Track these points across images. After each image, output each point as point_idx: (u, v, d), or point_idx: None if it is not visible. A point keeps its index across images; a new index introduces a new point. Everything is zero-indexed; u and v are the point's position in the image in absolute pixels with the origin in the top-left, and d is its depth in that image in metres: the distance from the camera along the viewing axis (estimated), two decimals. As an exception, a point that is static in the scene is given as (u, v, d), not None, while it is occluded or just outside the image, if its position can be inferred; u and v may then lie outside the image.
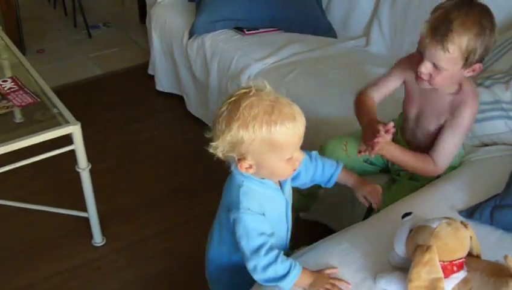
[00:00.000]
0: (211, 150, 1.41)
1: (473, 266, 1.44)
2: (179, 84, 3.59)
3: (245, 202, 1.45)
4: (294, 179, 1.67)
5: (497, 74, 2.25)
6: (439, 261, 1.39)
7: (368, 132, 1.90)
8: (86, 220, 2.52)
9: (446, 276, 1.40)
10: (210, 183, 2.88)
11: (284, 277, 1.43)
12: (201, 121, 3.41)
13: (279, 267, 1.43)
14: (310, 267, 1.53)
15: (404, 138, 2.11)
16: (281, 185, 1.58)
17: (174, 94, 3.73)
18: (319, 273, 1.51)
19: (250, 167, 1.42)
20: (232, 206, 1.48)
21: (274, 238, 1.48)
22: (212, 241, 1.72)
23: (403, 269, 1.52)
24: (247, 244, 1.44)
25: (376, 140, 1.81)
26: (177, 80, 3.58)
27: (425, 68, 1.76)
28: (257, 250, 1.42)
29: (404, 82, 2.01)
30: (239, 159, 1.41)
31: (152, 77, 3.84)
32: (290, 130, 1.36)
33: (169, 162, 3.16)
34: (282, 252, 1.46)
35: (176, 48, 3.41)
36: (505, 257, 1.35)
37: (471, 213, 1.79)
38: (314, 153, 1.75)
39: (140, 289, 2.35)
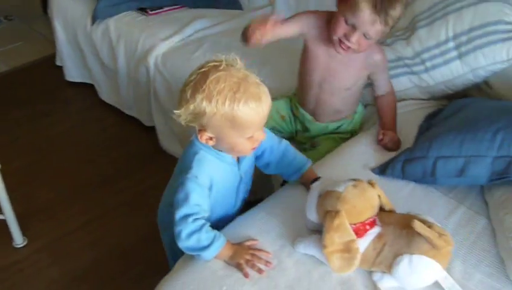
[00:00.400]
0: (174, 117, 1.44)
1: (386, 220, 1.47)
2: (88, 72, 3.48)
3: (195, 169, 1.48)
4: (258, 158, 1.70)
5: (397, 30, 2.29)
6: (350, 224, 1.42)
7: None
8: (3, 222, 2.42)
9: (360, 236, 1.43)
10: (130, 169, 2.87)
11: (206, 247, 1.45)
12: (115, 107, 3.33)
13: (203, 237, 1.44)
14: (230, 239, 1.54)
15: (307, 110, 2.13)
16: (239, 160, 1.60)
17: (84, 83, 3.61)
18: (239, 246, 1.52)
19: (211, 139, 1.46)
20: (183, 170, 1.50)
21: (208, 213, 1.50)
22: (162, 200, 1.79)
23: (321, 232, 1.55)
24: (180, 209, 1.45)
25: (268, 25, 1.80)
26: (86, 68, 3.47)
27: (357, 39, 1.77)
28: (186, 217, 1.44)
29: (305, 41, 2.00)
30: (200, 130, 1.45)
31: (60, 68, 3.70)
32: (253, 110, 1.38)
33: (86, 152, 3.07)
34: (208, 224, 1.48)
35: (81, 36, 3.30)
36: (412, 223, 1.37)
37: (383, 170, 1.83)
38: (286, 142, 1.75)
39: (66, 286, 2.29)
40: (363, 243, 1.43)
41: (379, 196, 1.48)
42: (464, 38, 2.11)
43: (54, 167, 2.96)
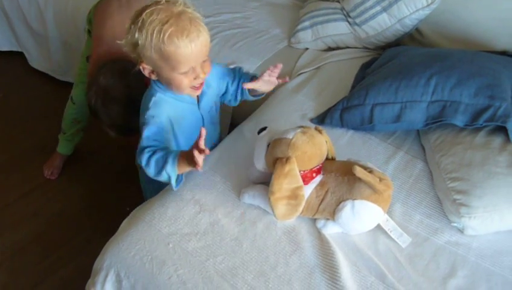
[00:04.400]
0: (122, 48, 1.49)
1: (328, 168, 1.49)
2: (16, 40, 3.33)
3: (152, 110, 1.53)
4: (225, 95, 1.74)
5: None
6: (299, 171, 1.43)
7: None
8: None
9: (306, 183, 1.45)
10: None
11: (165, 164, 1.46)
12: (47, 74, 3.22)
13: (158, 156, 1.47)
14: (178, 195, 1.57)
15: None
16: (199, 99, 1.63)
17: (13, 52, 3.44)
18: (188, 152, 1.46)
19: (152, 72, 1.50)
20: (143, 111, 1.56)
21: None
22: None
23: (264, 183, 1.56)
24: (141, 144, 1.51)
25: None
26: (14, 35, 3.31)
27: None
28: (142, 149, 1.49)
29: None
30: (140, 62, 1.48)
31: (-15, 37, 3.53)
32: (179, 44, 1.38)
33: (21, 122, 2.96)
34: (162, 147, 1.52)
35: (6, 1, 3.13)
36: (353, 169, 1.40)
37: (322, 119, 1.85)
38: (238, 66, 1.78)
39: (10, 259, 2.23)
40: (307, 190, 1.45)
41: (326, 142, 1.49)
42: (385, -8, 2.17)
43: (-13, 140, 2.85)
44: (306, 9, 2.43)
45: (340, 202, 1.43)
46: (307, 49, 2.36)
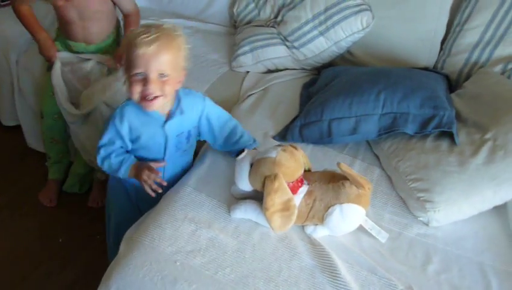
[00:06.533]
0: None
1: (311, 178, 1.66)
2: None
3: (116, 114, 1.69)
4: (203, 131, 1.84)
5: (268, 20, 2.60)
6: (286, 182, 1.58)
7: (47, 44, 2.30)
8: None
9: (295, 193, 1.60)
10: (1, 169, 2.72)
11: (117, 169, 1.72)
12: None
13: (113, 162, 1.72)
14: (169, 217, 1.66)
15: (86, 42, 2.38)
16: (167, 118, 1.72)
17: None
18: (140, 167, 1.71)
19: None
20: (114, 111, 1.72)
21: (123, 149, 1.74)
22: None
23: (250, 197, 1.69)
24: (99, 141, 1.72)
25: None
26: None
27: None
28: (99, 148, 1.72)
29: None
30: None
31: None
32: (137, 42, 1.53)
33: None
34: (120, 152, 1.72)
35: None
36: (338, 164, 1.58)
37: (283, 136, 2.02)
38: (237, 121, 1.88)
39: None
40: (297, 200, 1.60)
41: (302, 156, 1.66)
42: (322, 18, 2.40)
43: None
44: (242, 34, 2.59)
45: (328, 207, 1.60)
46: (247, 72, 2.52)
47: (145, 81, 1.56)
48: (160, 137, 1.73)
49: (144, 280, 1.50)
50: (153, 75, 1.56)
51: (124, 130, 1.69)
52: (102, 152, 1.72)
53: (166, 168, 1.82)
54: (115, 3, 2.37)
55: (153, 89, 1.57)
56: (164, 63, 1.56)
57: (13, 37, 2.68)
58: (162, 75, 1.57)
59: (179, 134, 1.77)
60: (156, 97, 1.59)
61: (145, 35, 1.53)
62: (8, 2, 2.91)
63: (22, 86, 2.69)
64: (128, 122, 1.68)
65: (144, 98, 1.59)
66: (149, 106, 1.61)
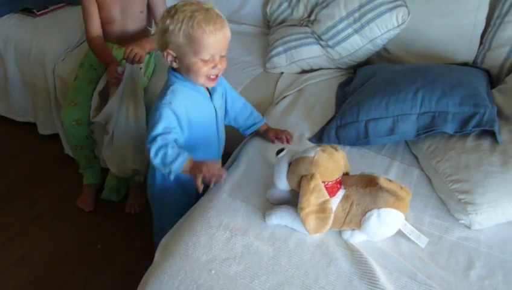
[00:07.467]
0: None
1: (348, 182, 1.62)
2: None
3: (170, 96, 1.68)
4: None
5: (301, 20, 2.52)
6: (324, 182, 1.54)
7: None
8: None
9: (332, 195, 1.56)
10: (41, 177, 2.76)
11: (171, 162, 1.61)
12: (6, 117, 3.16)
13: (169, 152, 1.61)
14: (204, 224, 1.64)
15: (119, 43, 2.42)
16: (210, 94, 1.78)
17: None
18: (199, 162, 1.64)
19: (174, 60, 1.67)
20: (159, 98, 1.70)
21: (179, 137, 1.69)
22: None
23: (285, 202, 1.66)
24: (152, 131, 1.64)
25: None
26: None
27: None
28: (155, 136, 1.62)
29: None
30: (165, 49, 1.65)
31: None
32: (206, 29, 1.58)
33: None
34: (175, 144, 1.65)
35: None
36: (377, 178, 1.53)
37: (319, 138, 1.98)
38: (244, 99, 1.99)
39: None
40: (334, 204, 1.56)
41: (342, 158, 1.62)
42: (356, 15, 2.35)
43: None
44: (276, 35, 2.57)
45: (366, 212, 1.55)
46: (281, 73, 2.49)
47: (212, 62, 1.65)
48: (211, 111, 1.80)
49: (179, 288, 1.49)
50: (218, 57, 1.66)
51: (181, 110, 1.70)
52: (160, 141, 1.62)
53: (219, 152, 1.91)
54: (149, 9, 2.44)
55: (220, 69, 1.68)
56: (226, 44, 1.67)
57: (50, 46, 2.73)
58: (222, 55, 1.68)
59: (220, 106, 1.85)
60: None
61: (211, 23, 1.59)
62: (44, 11, 2.96)
63: (58, 94, 2.72)
64: (183, 102, 1.71)
65: (208, 76, 1.68)
66: (212, 83, 1.72)
